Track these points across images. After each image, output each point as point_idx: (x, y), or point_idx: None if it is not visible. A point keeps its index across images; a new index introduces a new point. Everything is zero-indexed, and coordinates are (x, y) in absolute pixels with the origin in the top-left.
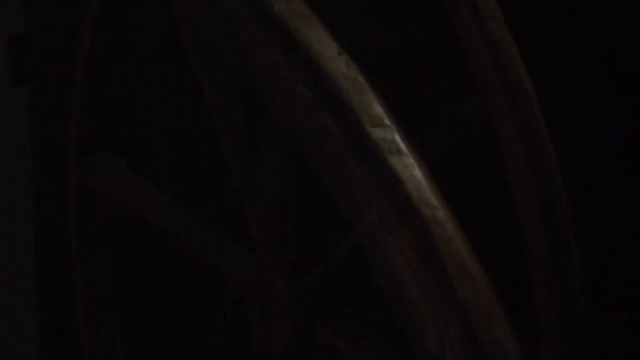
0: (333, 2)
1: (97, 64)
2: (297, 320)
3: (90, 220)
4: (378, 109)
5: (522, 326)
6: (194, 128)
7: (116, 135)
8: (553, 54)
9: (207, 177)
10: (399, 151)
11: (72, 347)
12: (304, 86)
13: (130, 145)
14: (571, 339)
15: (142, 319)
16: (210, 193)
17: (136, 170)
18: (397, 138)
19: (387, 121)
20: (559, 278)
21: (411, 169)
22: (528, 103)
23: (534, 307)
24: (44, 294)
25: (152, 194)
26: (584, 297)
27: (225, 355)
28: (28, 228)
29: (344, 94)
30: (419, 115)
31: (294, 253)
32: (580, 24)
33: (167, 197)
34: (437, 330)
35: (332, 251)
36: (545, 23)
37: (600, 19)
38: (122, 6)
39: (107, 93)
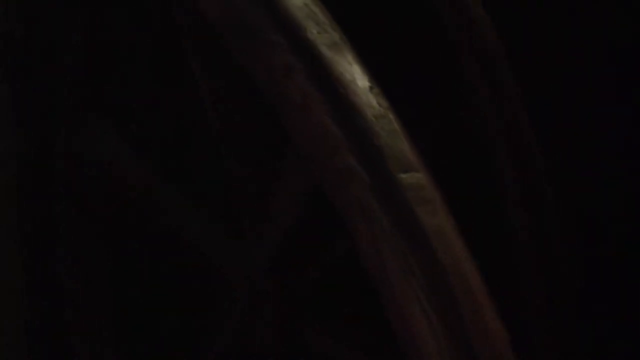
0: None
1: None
2: (288, 322)
3: (80, 191)
4: (408, 152)
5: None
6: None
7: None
8: (551, 54)
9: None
10: (427, 200)
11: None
12: (333, 122)
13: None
14: (563, 337)
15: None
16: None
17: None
18: (427, 185)
19: (417, 166)
20: (547, 281)
21: (439, 219)
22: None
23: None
24: (31, 294)
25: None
26: (576, 298)
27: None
28: (15, 227)
29: (374, 136)
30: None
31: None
32: (580, 24)
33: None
34: None
35: (328, 254)
36: (545, 23)
37: (600, 19)
38: None
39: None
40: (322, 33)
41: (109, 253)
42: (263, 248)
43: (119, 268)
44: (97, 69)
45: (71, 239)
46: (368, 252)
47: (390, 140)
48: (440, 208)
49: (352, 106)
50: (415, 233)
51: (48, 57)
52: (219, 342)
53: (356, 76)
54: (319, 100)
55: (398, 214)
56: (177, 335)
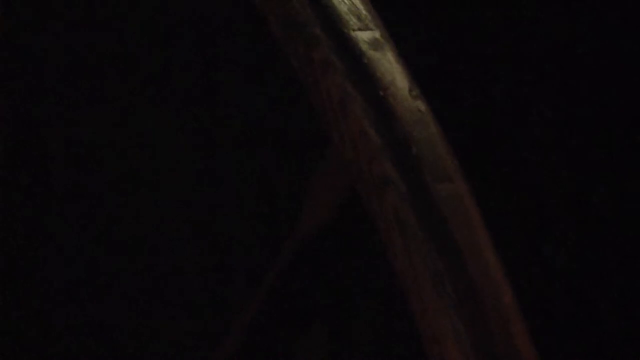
0: None
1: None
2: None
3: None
4: (446, 161)
5: None
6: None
7: None
8: (551, 53)
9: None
10: (466, 215)
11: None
12: (371, 126)
13: None
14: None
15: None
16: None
17: None
18: (464, 196)
19: (454, 176)
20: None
21: (474, 234)
22: None
23: None
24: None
25: None
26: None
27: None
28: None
29: (412, 142)
30: None
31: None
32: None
33: None
34: None
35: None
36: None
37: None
38: None
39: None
40: (364, 29)
41: (110, 252)
42: (282, 251)
43: (120, 267)
44: (97, 67)
45: (68, 239)
46: (400, 263)
47: (428, 147)
48: (476, 223)
49: (392, 109)
50: (449, 247)
51: (45, 56)
52: (222, 343)
53: (396, 77)
54: (357, 101)
55: (433, 226)
56: (178, 336)
